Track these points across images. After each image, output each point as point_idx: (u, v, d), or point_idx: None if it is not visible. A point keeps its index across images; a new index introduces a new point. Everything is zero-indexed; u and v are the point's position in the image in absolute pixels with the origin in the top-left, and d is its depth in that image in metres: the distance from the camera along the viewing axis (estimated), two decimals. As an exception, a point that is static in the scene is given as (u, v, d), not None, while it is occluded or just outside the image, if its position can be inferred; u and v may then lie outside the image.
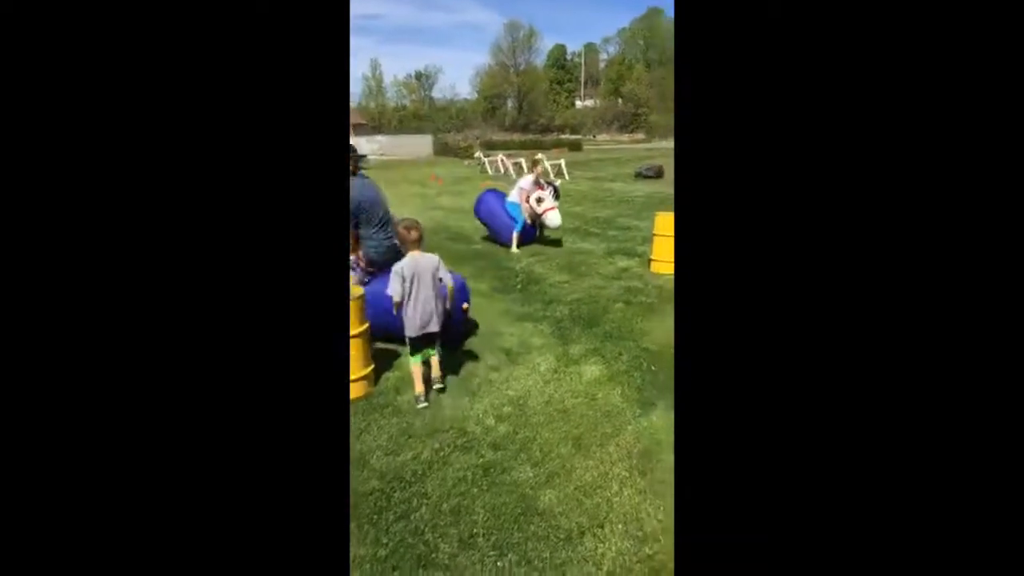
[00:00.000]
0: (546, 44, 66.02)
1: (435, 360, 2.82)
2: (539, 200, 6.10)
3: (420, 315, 2.70)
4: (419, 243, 2.71)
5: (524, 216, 6.21)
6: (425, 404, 2.69)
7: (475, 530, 1.85)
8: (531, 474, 2.15)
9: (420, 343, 2.77)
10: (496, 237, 6.50)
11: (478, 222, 6.84)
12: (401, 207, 10.20)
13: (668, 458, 2.24)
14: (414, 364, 2.78)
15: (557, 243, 6.60)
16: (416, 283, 2.68)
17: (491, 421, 2.55)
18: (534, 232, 6.48)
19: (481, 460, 2.25)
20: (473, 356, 3.30)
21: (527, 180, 6.25)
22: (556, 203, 6.26)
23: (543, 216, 6.13)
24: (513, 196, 6.29)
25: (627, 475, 2.14)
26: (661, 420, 2.54)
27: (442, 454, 2.30)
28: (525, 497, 2.01)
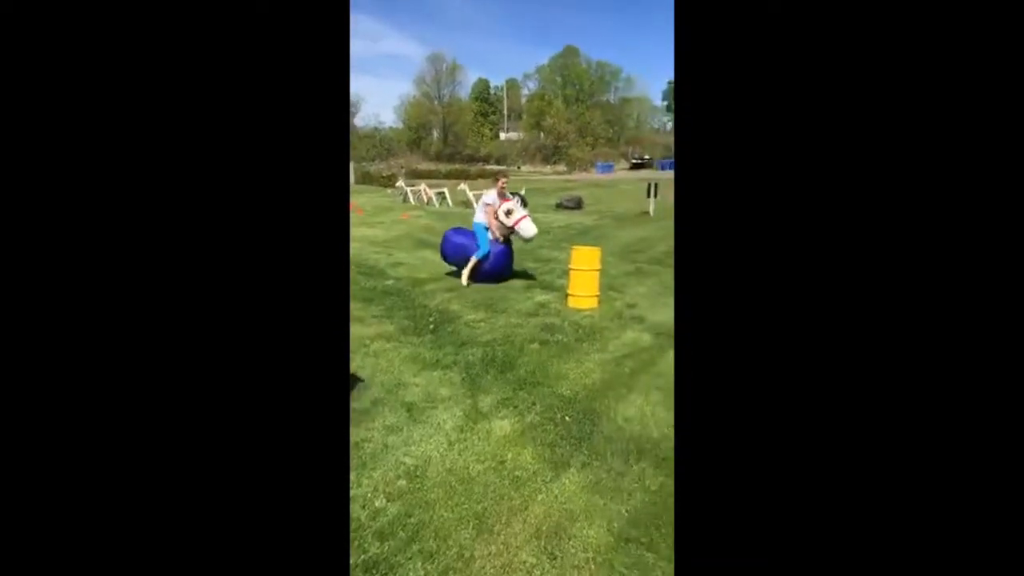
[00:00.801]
0: (469, 77, 67.56)
1: None
2: (508, 212, 5.64)
3: None
4: None
5: (493, 235, 5.69)
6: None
7: None
8: (422, 572, 1.80)
9: None
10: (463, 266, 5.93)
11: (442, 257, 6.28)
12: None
13: (583, 533, 1.98)
14: None
15: (531, 276, 6.20)
16: None
17: (380, 502, 2.17)
18: (506, 258, 5.87)
19: (363, 557, 1.86)
20: (370, 415, 2.90)
21: (491, 195, 5.74)
22: (526, 211, 5.82)
23: (516, 227, 5.64)
24: (479, 216, 5.77)
25: (535, 562, 1.84)
26: (574, 484, 2.28)
27: (315, 552, 1.88)
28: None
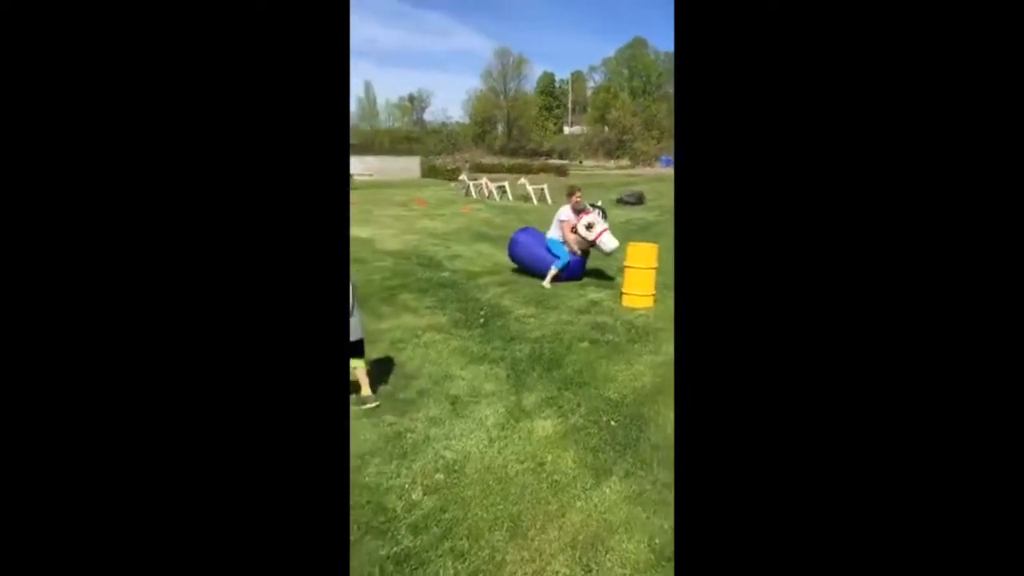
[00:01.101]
0: (535, 71, 67.26)
1: (361, 371, 2.90)
2: (589, 226, 5.51)
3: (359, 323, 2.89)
4: None
5: (571, 249, 5.57)
6: (376, 404, 2.85)
7: None
8: (452, 570, 1.77)
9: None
10: (533, 272, 5.87)
11: (508, 258, 6.24)
12: (382, 229, 9.92)
13: (621, 547, 1.87)
14: (361, 370, 2.89)
15: (610, 279, 6.02)
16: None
17: (417, 494, 2.17)
18: (581, 267, 5.83)
19: (395, 549, 1.86)
20: (415, 405, 2.93)
21: (566, 211, 5.59)
22: (607, 224, 5.71)
23: (598, 240, 5.52)
24: (554, 232, 5.66)
25: (568, 573, 1.76)
26: (615, 493, 2.17)
27: (352, 539, 1.91)
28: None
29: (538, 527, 1.97)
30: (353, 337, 2.74)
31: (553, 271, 5.55)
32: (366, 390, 2.87)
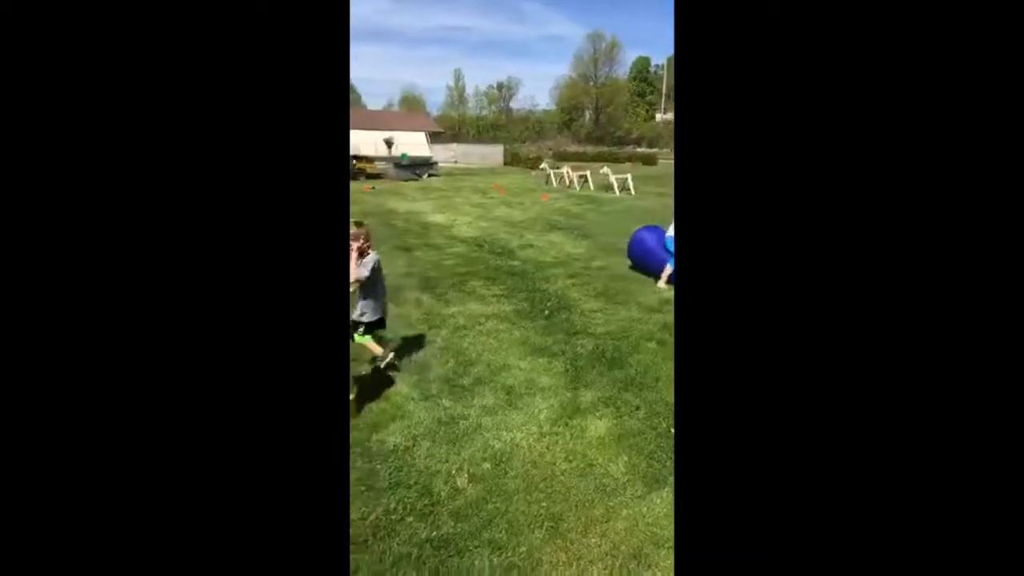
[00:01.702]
0: (628, 57, 64.82)
1: (374, 343, 3.14)
2: None
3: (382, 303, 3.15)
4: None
5: None
6: (391, 356, 3.11)
7: None
8: (488, 562, 1.76)
9: (374, 326, 3.11)
10: (649, 271, 5.65)
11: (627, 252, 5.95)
12: (460, 215, 10.15)
13: (666, 564, 1.75)
14: (370, 341, 3.09)
15: None
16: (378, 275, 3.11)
17: (463, 480, 2.18)
18: None
19: (435, 534, 1.89)
20: (469, 392, 2.96)
21: None
22: None
23: None
24: (672, 231, 5.44)
25: (604, 583, 1.68)
26: (666, 505, 2.04)
27: (394, 517, 1.97)
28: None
29: (579, 530, 1.91)
30: (376, 316, 3.04)
31: (669, 270, 5.31)
32: (376, 349, 3.11)
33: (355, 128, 31.54)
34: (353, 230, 3.14)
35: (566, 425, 2.63)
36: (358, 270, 3.02)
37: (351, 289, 3.11)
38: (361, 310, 3.05)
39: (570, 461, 2.33)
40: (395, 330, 3.63)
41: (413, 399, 2.87)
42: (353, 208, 11.41)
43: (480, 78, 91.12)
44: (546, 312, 4.36)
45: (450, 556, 1.79)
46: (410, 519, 1.96)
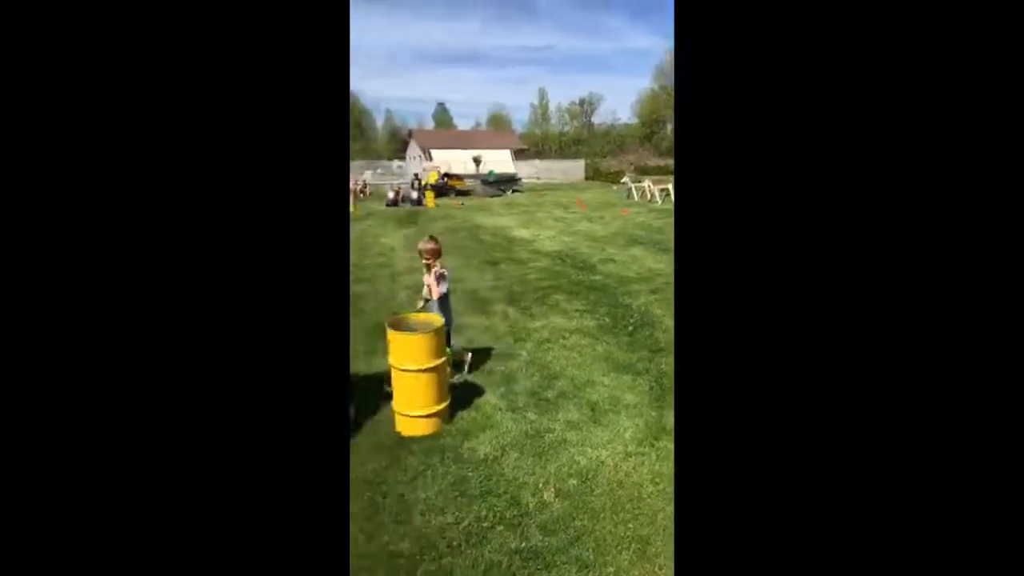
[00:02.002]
0: (717, 63, 62.17)
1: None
2: None
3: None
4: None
5: None
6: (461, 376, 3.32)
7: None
8: (575, 578, 1.78)
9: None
10: None
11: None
12: (543, 229, 10.30)
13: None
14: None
15: None
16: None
17: (549, 495, 2.23)
18: None
19: (524, 545, 1.94)
20: (554, 406, 3.00)
21: None
22: None
23: None
24: None
25: (697, 613, 1.64)
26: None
27: (485, 525, 2.05)
28: (558, 608, 1.66)
29: (667, 555, 1.87)
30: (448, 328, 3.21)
31: None
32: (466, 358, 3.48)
33: (446, 148, 33.17)
34: (432, 245, 3.39)
35: (652, 446, 2.58)
36: (439, 288, 3.30)
37: (423, 303, 3.42)
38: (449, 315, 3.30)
39: (656, 484, 2.28)
40: (479, 341, 3.81)
41: (501, 410, 2.97)
42: (444, 223, 12.03)
43: (563, 95, 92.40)
44: (629, 328, 4.30)
45: (539, 569, 1.83)
46: (500, 528, 2.03)
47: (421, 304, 3.49)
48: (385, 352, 2.90)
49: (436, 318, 3.04)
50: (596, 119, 60.31)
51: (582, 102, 59.88)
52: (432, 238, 3.50)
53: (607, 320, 4.54)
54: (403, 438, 2.71)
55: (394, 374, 2.79)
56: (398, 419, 2.79)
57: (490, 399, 3.11)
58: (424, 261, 3.42)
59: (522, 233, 9.92)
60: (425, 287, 3.43)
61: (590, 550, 1.91)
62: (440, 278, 3.36)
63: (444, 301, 3.37)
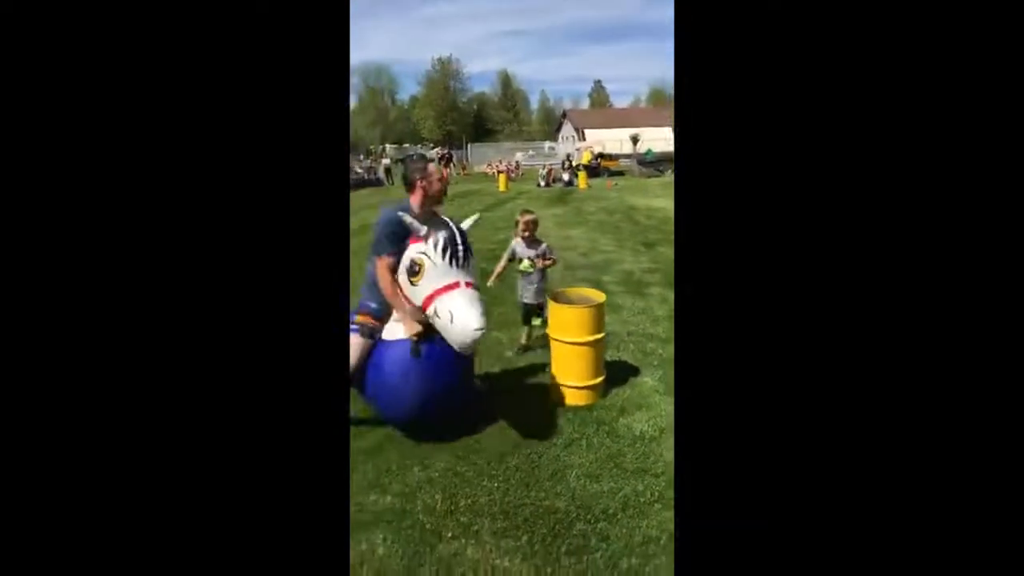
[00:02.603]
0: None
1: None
2: None
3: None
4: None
5: None
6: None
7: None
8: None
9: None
10: None
11: None
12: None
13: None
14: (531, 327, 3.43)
15: None
16: None
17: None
18: None
19: (683, 527, 1.86)
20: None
21: None
22: None
23: None
24: None
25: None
26: None
27: (642, 500, 2.02)
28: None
29: None
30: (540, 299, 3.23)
31: None
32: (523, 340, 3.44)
33: (601, 127, 32.59)
34: (531, 216, 3.33)
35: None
36: (545, 259, 3.31)
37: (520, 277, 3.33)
38: (531, 294, 3.28)
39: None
40: (634, 323, 3.75)
41: (658, 392, 2.87)
42: (596, 204, 11.88)
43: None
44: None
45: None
46: (658, 506, 1.98)
47: (495, 278, 3.47)
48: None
49: (597, 293, 3.03)
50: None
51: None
52: (529, 211, 3.46)
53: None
54: (558, 407, 2.78)
55: (553, 345, 2.87)
56: (553, 388, 2.87)
57: (647, 380, 3.02)
58: (523, 234, 3.30)
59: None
60: (526, 260, 3.28)
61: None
62: (544, 253, 3.33)
63: (542, 275, 3.33)
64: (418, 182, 2.31)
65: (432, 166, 2.46)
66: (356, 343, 2.25)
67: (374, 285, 2.32)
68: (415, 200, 2.34)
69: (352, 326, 2.26)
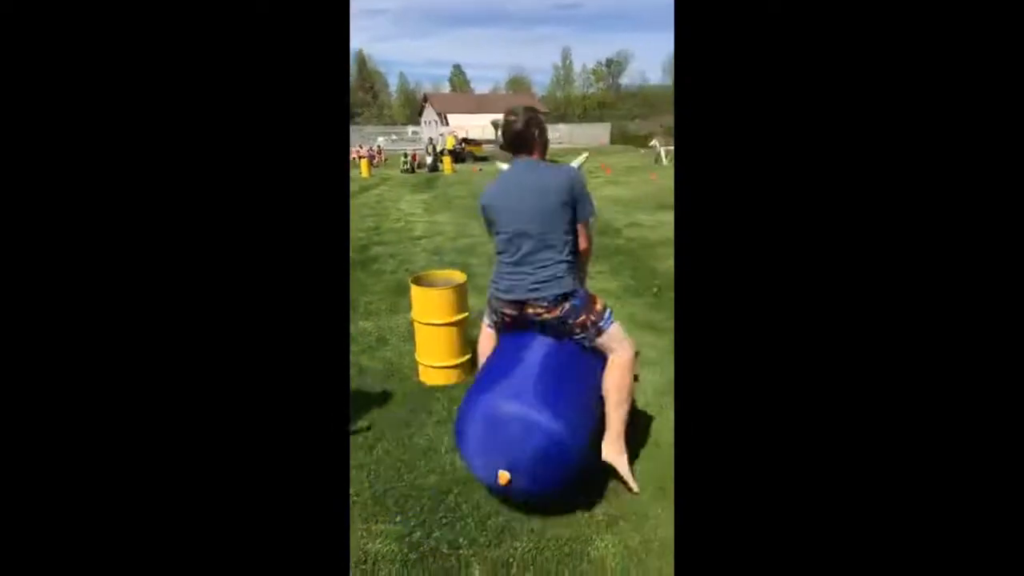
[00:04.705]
0: (752, 19, 58.90)
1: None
2: None
3: None
4: None
5: None
6: None
7: (510, 558, 1.67)
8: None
9: None
10: None
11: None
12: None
13: None
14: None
15: None
16: None
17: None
18: None
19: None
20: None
21: None
22: None
23: None
24: None
25: None
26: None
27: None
28: (579, 539, 1.75)
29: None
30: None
31: None
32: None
33: (463, 112, 32.66)
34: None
35: (671, 397, 2.62)
36: None
37: None
38: None
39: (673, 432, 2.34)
40: None
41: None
42: (462, 189, 11.97)
43: (589, 55, 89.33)
44: (654, 290, 4.30)
45: (559, 503, 1.92)
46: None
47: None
48: (406, 309, 2.98)
49: (458, 274, 3.09)
50: (624, 80, 58.34)
51: (609, 63, 57.86)
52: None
53: (631, 282, 4.54)
54: (427, 387, 2.81)
55: (416, 327, 2.88)
56: (422, 369, 2.89)
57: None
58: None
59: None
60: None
61: (608, 484, 1.99)
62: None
63: None
64: (536, 138, 2.03)
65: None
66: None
67: (574, 254, 2.00)
68: (538, 156, 2.06)
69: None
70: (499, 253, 2.03)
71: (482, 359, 2.15)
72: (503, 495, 1.88)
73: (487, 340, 2.19)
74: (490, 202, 2.02)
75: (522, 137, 2.00)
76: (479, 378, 1.96)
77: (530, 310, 1.94)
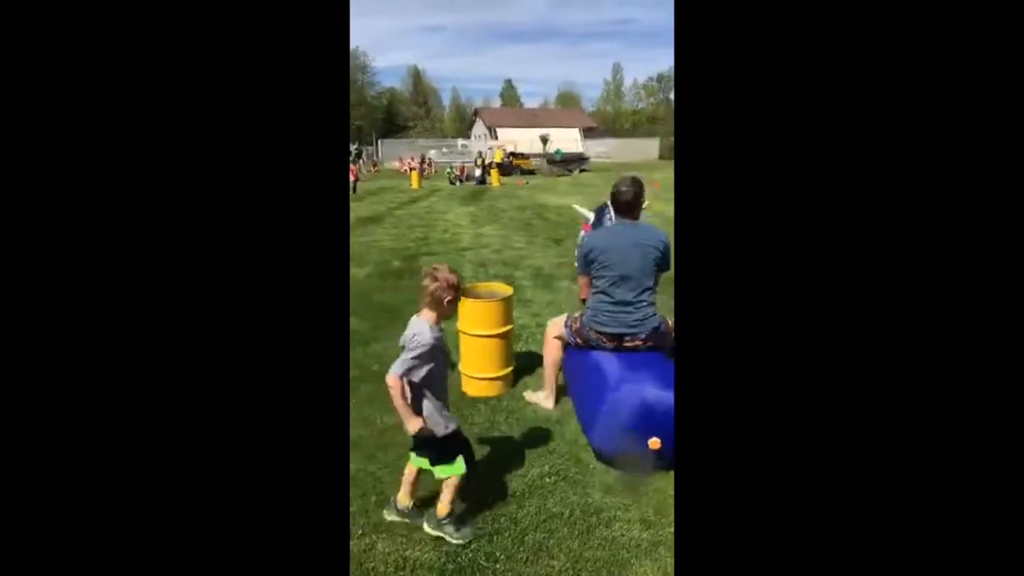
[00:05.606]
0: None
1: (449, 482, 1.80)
2: None
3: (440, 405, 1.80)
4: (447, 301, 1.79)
5: None
6: (397, 518, 1.87)
7: (549, 577, 1.65)
8: (638, 536, 1.82)
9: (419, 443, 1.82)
10: None
11: None
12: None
13: None
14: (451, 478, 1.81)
15: None
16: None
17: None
18: None
19: (586, 500, 2.00)
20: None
21: None
22: None
23: None
24: None
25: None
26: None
27: (548, 480, 2.13)
28: (616, 563, 1.71)
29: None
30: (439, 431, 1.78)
31: None
32: (444, 507, 1.80)
33: (512, 126, 33.13)
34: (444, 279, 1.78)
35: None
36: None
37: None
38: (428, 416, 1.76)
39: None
40: (544, 315, 3.78)
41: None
42: (505, 203, 12.11)
43: (641, 71, 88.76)
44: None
45: (599, 524, 1.88)
46: (562, 484, 2.10)
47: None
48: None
49: (505, 287, 3.12)
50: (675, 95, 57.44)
51: (660, 78, 57.24)
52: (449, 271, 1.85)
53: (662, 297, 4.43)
54: (469, 398, 2.84)
55: (462, 339, 2.92)
56: (464, 380, 2.92)
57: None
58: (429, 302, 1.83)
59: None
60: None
61: (650, 509, 1.93)
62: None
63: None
64: (640, 204, 2.54)
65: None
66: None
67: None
68: (637, 215, 2.57)
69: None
70: (597, 292, 2.46)
71: (551, 364, 2.71)
72: (625, 462, 2.16)
73: (555, 351, 2.69)
74: (598, 247, 2.45)
75: (631, 205, 2.52)
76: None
77: (628, 343, 2.42)
